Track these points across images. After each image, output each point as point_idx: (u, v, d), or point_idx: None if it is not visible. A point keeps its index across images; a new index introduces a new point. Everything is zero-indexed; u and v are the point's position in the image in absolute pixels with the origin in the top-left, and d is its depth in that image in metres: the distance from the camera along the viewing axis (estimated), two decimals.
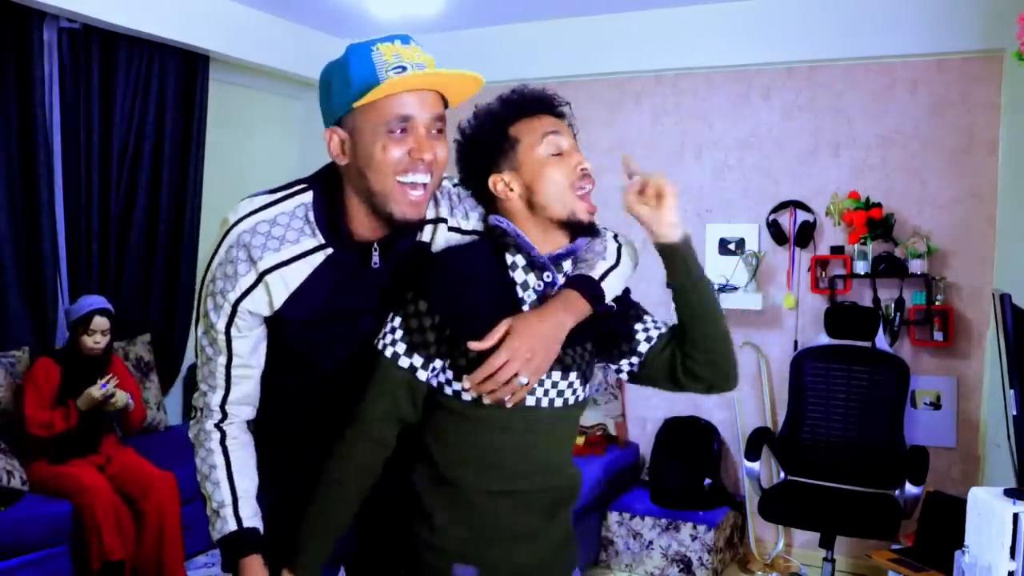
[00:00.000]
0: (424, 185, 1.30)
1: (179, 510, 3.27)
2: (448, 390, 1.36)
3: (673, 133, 4.18)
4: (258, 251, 1.34)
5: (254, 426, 1.46)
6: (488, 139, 1.39)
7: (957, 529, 2.41)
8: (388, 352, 1.34)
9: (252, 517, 1.42)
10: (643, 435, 4.24)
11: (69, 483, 3.08)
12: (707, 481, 3.85)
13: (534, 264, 1.38)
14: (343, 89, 1.31)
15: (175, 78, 4.06)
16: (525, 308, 1.37)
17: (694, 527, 3.62)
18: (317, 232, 1.34)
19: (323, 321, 1.37)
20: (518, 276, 1.38)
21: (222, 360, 1.36)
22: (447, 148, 1.35)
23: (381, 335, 1.36)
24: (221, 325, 1.35)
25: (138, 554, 3.17)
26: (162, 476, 3.27)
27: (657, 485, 3.87)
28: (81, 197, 3.70)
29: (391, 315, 1.36)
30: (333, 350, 1.41)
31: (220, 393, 1.39)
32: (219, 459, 1.40)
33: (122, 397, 3.29)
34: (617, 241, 1.55)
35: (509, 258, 1.38)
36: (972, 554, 2.23)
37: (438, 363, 1.34)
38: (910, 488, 3.14)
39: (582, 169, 1.38)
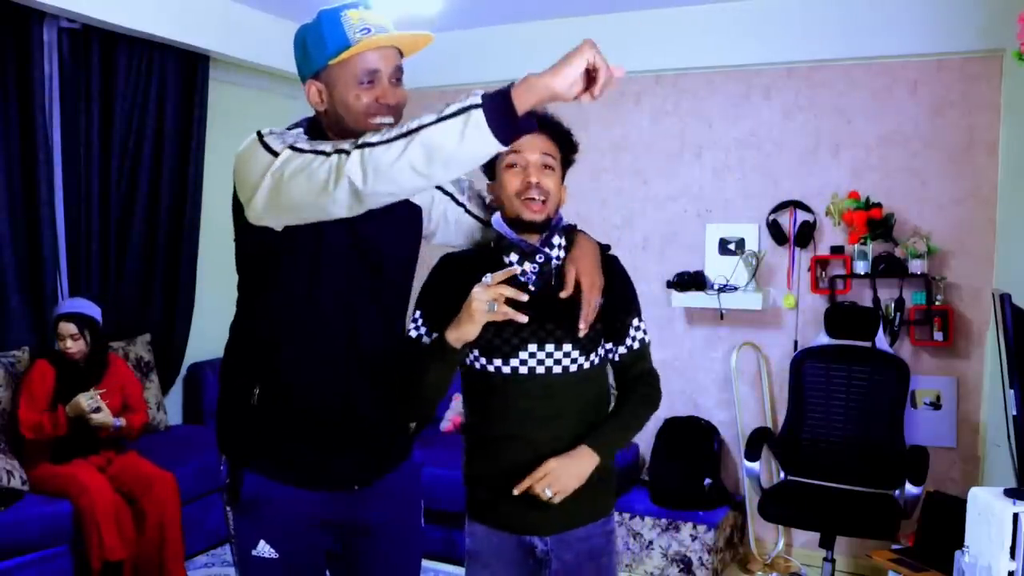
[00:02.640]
0: (389, 124, 1.54)
1: (179, 510, 3.28)
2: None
3: (673, 133, 4.18)
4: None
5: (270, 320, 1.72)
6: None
7: (957, 529, 2.41)
8: (413, 334, 1.77)
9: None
10: (643, 435, 4.23)
11: (69, 483, 3.08)
12: (707, 481, 3.85)
13: (525, 253, 1.74)
14: (319, 48, 1.55)
15: (175, 78, 4.06)
16: (529, 287, 1.72)
17: (694, 527, 3.62)
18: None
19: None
20: (510, 260, 1.75)
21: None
22: (405, 94, 1.62)
23: (409, 322, 1.79)
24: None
25: (138, 554, 3.17)
26: (162, 476, 3.27)
27: (657, 485, 3.87)
28: (81, 197, 3.70)
29: (414, 308, 1.79)
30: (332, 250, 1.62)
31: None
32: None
33: (106, 417, 3.19)
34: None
35: (506, 258, 1.75)
36: (972, 554, 2.23)
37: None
38: (910, 488, 3.14)
39: (528, 182, 1.70)
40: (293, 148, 1.48)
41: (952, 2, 3.53)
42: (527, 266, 1.73)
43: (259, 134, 1.57)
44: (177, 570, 3.22)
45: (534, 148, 1.70)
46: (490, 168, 1.77)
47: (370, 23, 1.54)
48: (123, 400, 3.38)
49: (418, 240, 1.81)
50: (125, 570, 3.10)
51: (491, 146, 1.37)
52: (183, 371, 4.32)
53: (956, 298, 3.64)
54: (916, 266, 3.60)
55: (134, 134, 3.93)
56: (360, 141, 1.42)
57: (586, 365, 1.73)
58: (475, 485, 1.81)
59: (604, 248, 1.84)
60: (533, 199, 1.69)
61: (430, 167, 1.38)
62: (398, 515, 1.79)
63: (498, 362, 1.71)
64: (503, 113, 1.36)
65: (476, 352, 1.73)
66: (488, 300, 1.54)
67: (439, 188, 1.81)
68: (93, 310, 3.35)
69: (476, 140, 1.35)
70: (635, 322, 1.82)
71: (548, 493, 1.64)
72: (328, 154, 1.43)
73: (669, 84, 4.18)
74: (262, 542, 1.65)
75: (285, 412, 1.66)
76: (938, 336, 3.61)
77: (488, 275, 1.58)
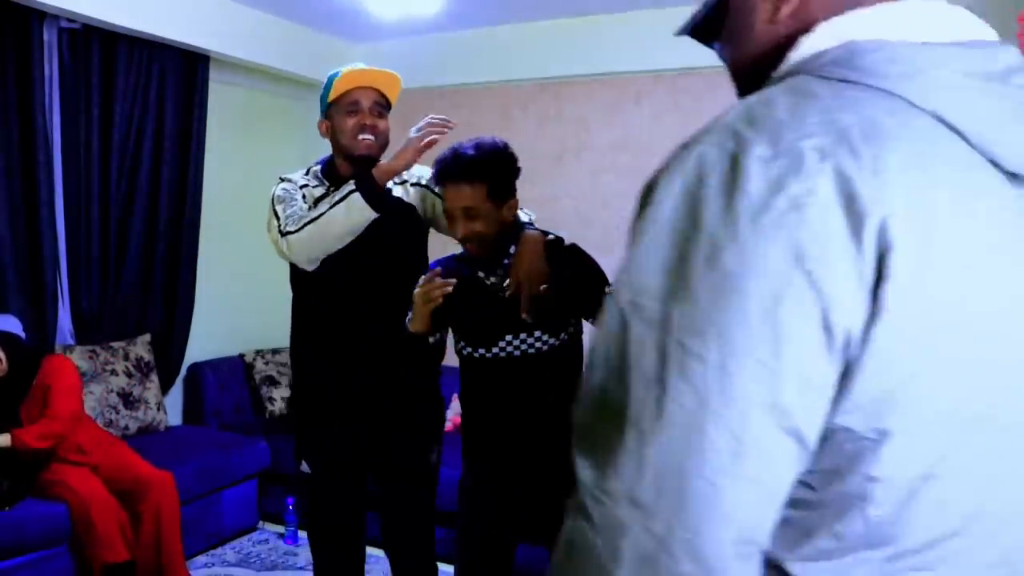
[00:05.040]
0: (370, 139, 2.24)
1: (178, 510, 3.27)
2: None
3: (673, 133, 4.15)
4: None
5: (295, 320, 2.41)
6: None
7: None
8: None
9: None
10: None
11: (62, 490, 3.05)
12: None
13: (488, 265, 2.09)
14: (324, 93, 2.30)
15: (175, 78, 4.06)
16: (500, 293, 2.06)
17: None
18: (324, 181, 2.32)
19: None
20: (481, 275, 2.09)
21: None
22: (386, 122, 2.29)
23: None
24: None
25: (137, 555, 3.16)
26: (160, 476, 3.26)
27: None
28: (81, 197, 3.70)
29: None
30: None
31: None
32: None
33: None
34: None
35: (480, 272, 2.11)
36: None
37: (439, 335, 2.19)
38: None
39: (459, 235, 2.01)
40: (280, 232, 2.21)
41: (951, 2, 3.53)
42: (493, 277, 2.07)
43: (279, 181, 2.37)
44: (178, 570, 3.21)
45: (455, 199, 1.98)
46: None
47: (354, 73, 2.26)
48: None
49: (421, 229, 2.42)
50: (135, 571, 3.09)
51: (368, 212, 2.13)
52: (183, 371, 4.32)
53: None
54: None
55: (134, 134, 3.93)
56: (283, 230, 2.18)
57: (556, 343, 2.03)
58: (469, 438, 2.17)
59: (557, 240, 2.09)
60: (471, 244, 2.03)
61: (330, 235, 2.14)
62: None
63: (482, 350, 2.05)
64: (370, 191, 2.12)
65: (463, 343, 2.10)
66: (423, 295, 1.99)
67: (428, 188, 2.34)
68: (11, 324, 3.23)
69: (357, 212, 2.12)
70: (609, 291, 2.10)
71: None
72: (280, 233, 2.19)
73: (669, 84, 4.18)
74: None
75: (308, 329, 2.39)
76: None
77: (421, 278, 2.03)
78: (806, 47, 0.70)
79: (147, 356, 3.99)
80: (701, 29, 0.83)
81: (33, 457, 3.07)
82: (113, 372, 3.80)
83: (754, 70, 0.77)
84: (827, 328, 0.57)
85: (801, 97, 0.63)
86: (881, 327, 0.57)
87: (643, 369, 0.59)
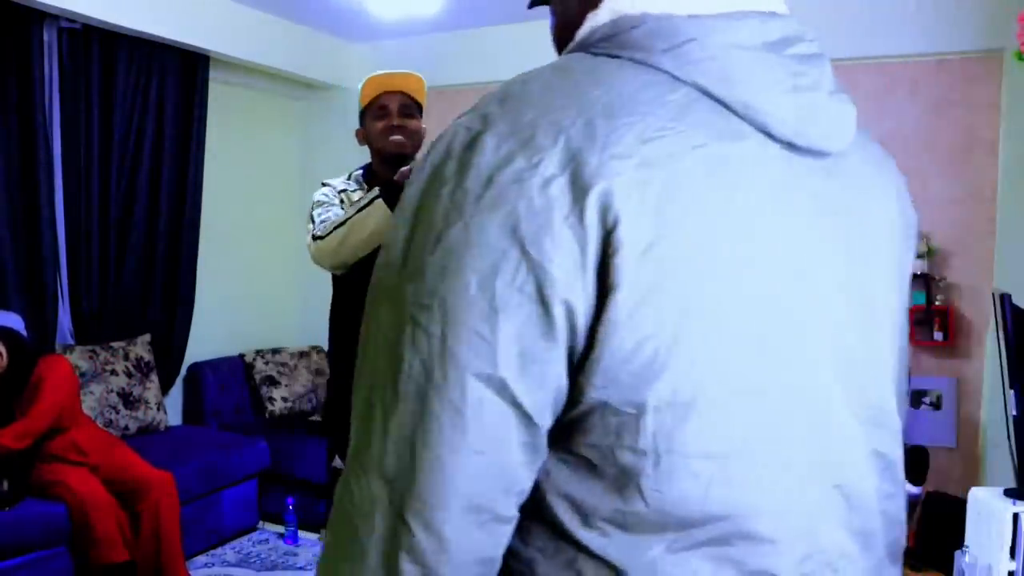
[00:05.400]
0: (399, 138, 2.31)
1: (178, 510, 3.27)
2: None
3: None
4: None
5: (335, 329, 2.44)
6: None
7: (957, 529, 2.42)
8: None
9: None
10: None
11: (62, 490, 3.05)
12: None
13: None
14: (359, 105, 2.42)
15: (175, 78, 4.06)
16: None
17: None
18: (363, 185, 2.41)
19: None
20: None
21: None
22: (417, 121, 2.38)
23: None
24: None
25: (137, 555, 3.17)
26: (160, 476, 3.26)
27: None
28: (81, 197, 3.70)
29: None
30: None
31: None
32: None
33: None
34: None
35: None
36: (972, 554, 2.23)
37: None
38: (910, 488, 3.14)
39: None
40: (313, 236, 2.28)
41: (952, 2, 3.53)
42: None
43: (320, 185, 2.45)
44: (178, 570, 3.21)
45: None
46: None
47: (382, 77, 2.40)
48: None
49: None
50: (135, 571, 3.09)
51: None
52: (183, 371, 4.33)
53: (956, 298, 3.64)
54: (916, 266, 3.60)
55: (134, 134, 3.93)
56: (314, 234, 2.26)
57: None
58: None
59: None
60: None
61: (356, 239, 2.18)
62: None
63: None
64: (394, 196, 2.12)
65: None
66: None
67: None
68: (11, 321, 3.23)
69: (381, 217, 2.14)
70: None
71: None
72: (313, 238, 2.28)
73: None
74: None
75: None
76: (938, 336, 3.61)
77: None
78: (588, 23, 0.70)
79: (147, 356, 3.99)
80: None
81: (18, 457, 3.06)
82: (113, 372, 3.80)
83: (561, 44, 0.76)
84: (543, 302, 0.57)
85: (558, 74, 0.64)
86: (617, 302, 0.57)
87: (385, 342, 0.61)
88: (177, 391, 4.36)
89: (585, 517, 0.62)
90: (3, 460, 3.02)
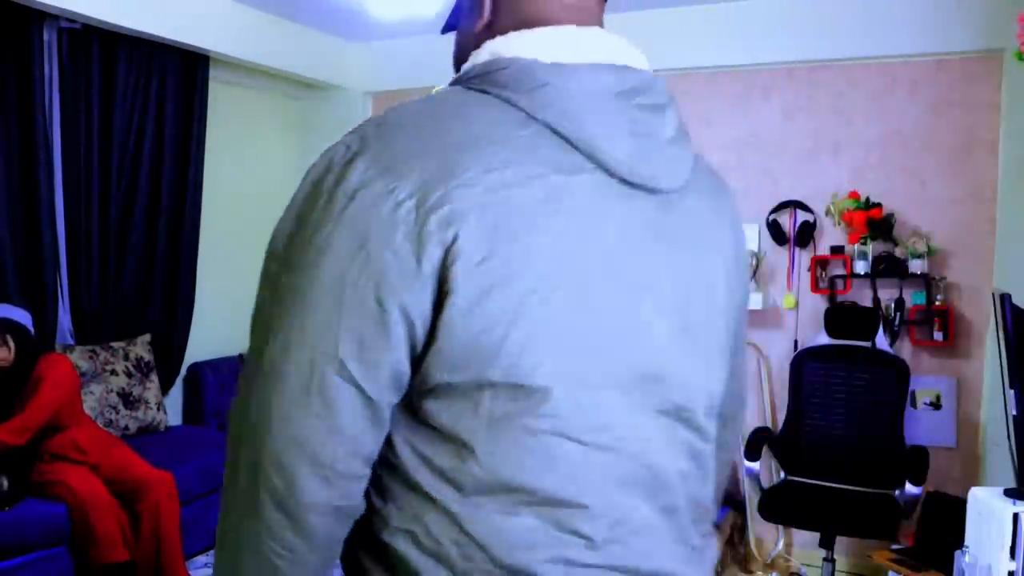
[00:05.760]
0: None
1: (178, 510, 3.27)
2: None
3: None
4: None
5: None
6: None
7: (957, 529, 2.42)
8: None
9: None
10: None
11: (62, 490, 3.05)
12: None
13: None
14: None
15: (175, 78, 4.06)
16: None
17: None
18: None
19: None
20: None
21: None
22: None
23: None
24: None
25: (137, 555, 3.17)
26: (160, 476, 3.26)
27: None
28: (81, 197, 3.70)
29: None
30: None
31: None
32: None
33: None
34: None
35: None
36: (972, 554, 2.23)
37: None
38: (910, 488, 3.14)
39: None
40: None
41: (952, 2, 3.54)
42: None
43: None
44: (178, 570, 3.21)
45: None
46: None
47: None
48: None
49: None
50: (136, 571, 3.09)
51: None
52: (183, 371, 4.33)
53: (956, 298, 3.64)
54: (916, 266, 3.60)
55: (134, 134, 3.93)
56: None
57: None
58: None
59: None
60: None
61: None
62: None
63: None
64: None
65: None
66: None
67: None
68: (21, 316, 3.23)
69: None
70: None
71: None
72: None
73: (669, 84, 4.15)
74: None
75: None
76: (938, 336, 3.61)
77: None
78: (471, 60, 0.83)
79: (147, 356, 3.99)
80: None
81: (17, 453, 3.07)
82: (113, 372, 3.80)
83: (457, 70, 0.88)
84: (380, 303, 0.70)
85: (431, 107, 0.78)
86: (454, 304, 0.70)
87: (260, 319, 0.77)
88: (177, 391, 4.35)
89: (434, 477, 0.75)
90: (2, 457, 3.02)
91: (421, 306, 0.71)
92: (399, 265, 0.70)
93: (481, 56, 0.81)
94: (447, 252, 0.70)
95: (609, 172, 0.77)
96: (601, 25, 0.89)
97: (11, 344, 3.12)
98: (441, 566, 0.75)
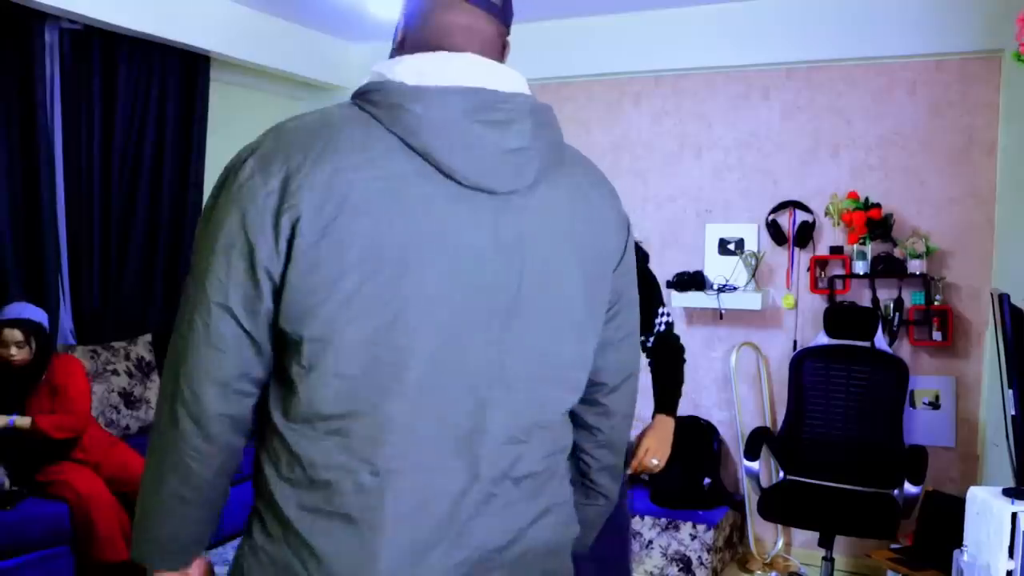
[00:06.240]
0: None
1: None
2: None
3: (673, 133, 4.18)
4: None
5: None
6: None
7: (956, 528, 2.42)
8: None
9: None
10: None
11: (64, 490, 3.06)
12: (706, 481, 3.86)
13: None
14: None
15: (175, 78, 4.06)
16: None
17: (693, 526, 3.63)
18: None
19: None
20: None
21: None
22: None
23: None
24: None
25: None
26: None
27: (657, 485, 3.88)
28: (82, 197, 3.71)
29: None
30: None
31: None
32: None
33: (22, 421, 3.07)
34: None
35: None
36: (971, 553, 2.24)
37: None
38: (909, 488, 3.15)
39: None
40: None
41: (951, 2, 3.54)
42: None
43: None
44: None
45: None
46: None
47: None
48: (54, 402, 3.20)
49: None
50: (137, 571, 3.09)
51: None
52: None
53: (955, 298, 3.65)
54: (915, 266, 3.60)
55: (135, 134, 3.93)
56: None
57: None
58: None
59: (643, 257, 2.21)
60: None
61: None
62: None
63: None
64: None
65: None
66: None
67: None
68: (40, 316, 3.24)
69: None
70: (660, 310, 2.24)
71: (655, 462, 2.07)
72: None
73: (669, 84, 4.19)
74: None
75: None
76: (937, 336, 3.62)
77: None
78: (364, 79, 1.03)
79: (148, 356, 4.00)
80: None
81: (43, 447, 3.10)
82: (114, 372, 3.81)
83: None
84: (252, 266, 0.95)
85: (316, 120, 0.99)
86: (292, 269, 0.93)
87: (189, 280, 1.01)
88: None
89: (277, 409, 1.01)
90: (30, 445, 3.08)
91: (278, 270, 0.95)
92: (264, 240, 0.94)
93: (369, 76, 1.02)
94: (292, 231, 0.93)
95: (450, 178, 0.96)
96: (495, 47, 1.06)
97: (32, 345, 3.17)
98: (280, 479, 1.00)
